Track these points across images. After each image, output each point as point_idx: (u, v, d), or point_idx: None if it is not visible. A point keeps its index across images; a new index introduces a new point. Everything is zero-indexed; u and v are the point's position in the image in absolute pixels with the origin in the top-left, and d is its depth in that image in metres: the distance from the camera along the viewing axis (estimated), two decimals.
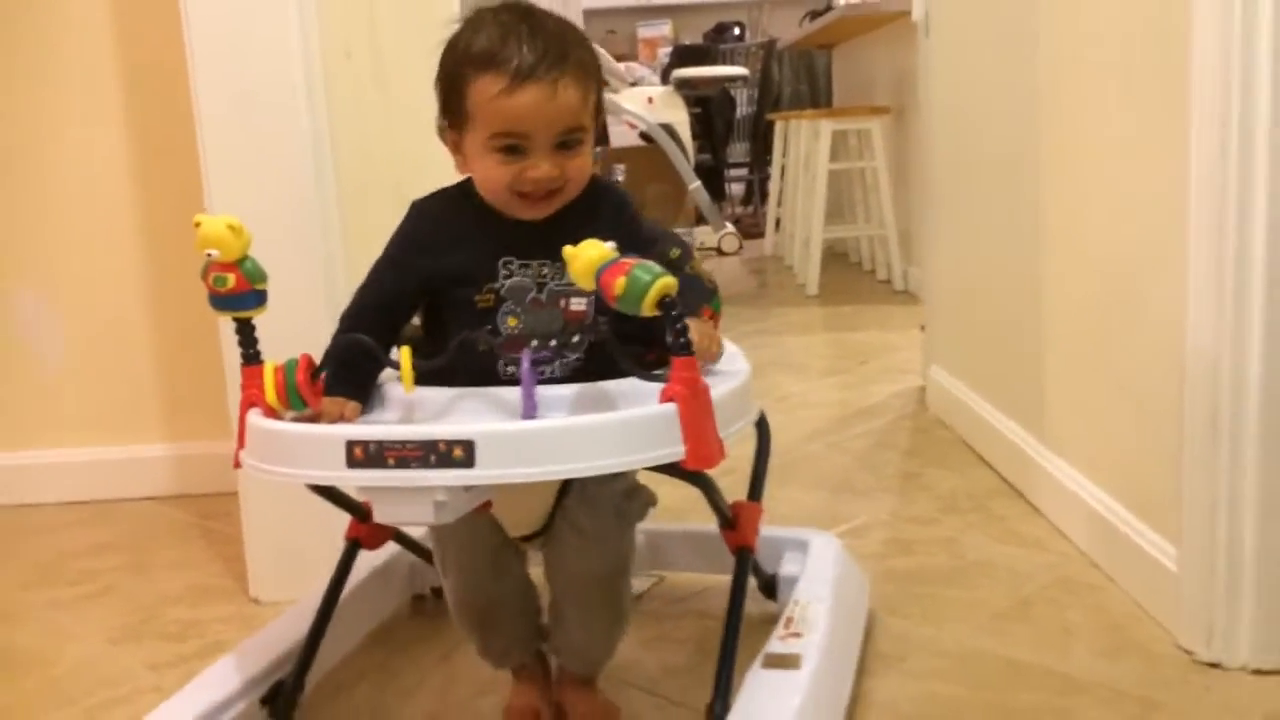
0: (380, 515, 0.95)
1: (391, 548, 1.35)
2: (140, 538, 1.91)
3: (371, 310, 1.08)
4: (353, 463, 0.90)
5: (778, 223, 5.25)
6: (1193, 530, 1.28)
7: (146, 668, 1.41)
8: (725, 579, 1.45)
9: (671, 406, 0.91)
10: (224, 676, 1.18)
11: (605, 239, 0.91)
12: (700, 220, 5.35)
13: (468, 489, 0.93)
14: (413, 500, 0.90)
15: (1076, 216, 1.63)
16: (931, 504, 1.85)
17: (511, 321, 1.05)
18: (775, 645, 1.15)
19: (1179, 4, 1.24)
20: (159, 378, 2.13)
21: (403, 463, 0.89)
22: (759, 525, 1.19)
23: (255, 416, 0.99)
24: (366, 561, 1.31)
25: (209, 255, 1.00)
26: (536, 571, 1.20)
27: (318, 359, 1.04)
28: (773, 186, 5.33)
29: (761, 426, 1.33)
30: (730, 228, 5.45)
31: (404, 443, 0.89)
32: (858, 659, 1.30)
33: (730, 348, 1.17)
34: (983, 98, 2.09)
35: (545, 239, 1.03)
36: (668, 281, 0.87)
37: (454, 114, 1.04)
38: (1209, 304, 1.23)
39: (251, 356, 1.03)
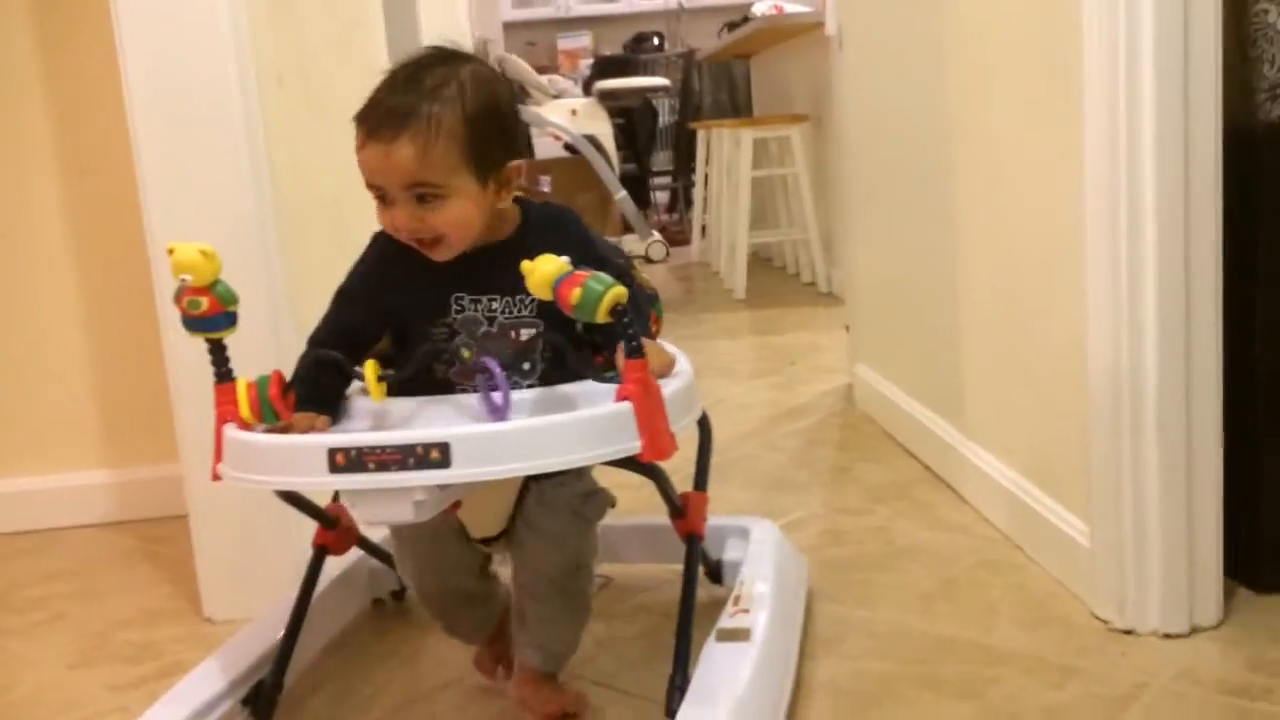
0: (361, 516, 1.03)
1: (350, 554, 1.40)
2: (87, 565, 1.91)
3: (335, 337, 1.15)
4: (335, 469, 0.97)
5: (703, 229, 5.34)
6: (1102, 509, 1.37)
7: (107, 690, 1.43)
8: (669, 574, 1.54)
9: (627, 405, 1.00)
10: (203, 681, 1.23)
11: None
12: (627, 229, 5.42)
13: (443, 488, 1.01)
14: (393, 501, 0.99)
15: (987, 220, 1.73)
16: (862, 495, 1.94)
17: (466, 353, 1.13)
18: (726, 621, 1.24)
19: (1071, 24, 1.34)
20: (96, 404, 2.13)
21: (383, 466, 0.96)
22: (706, 513, 1.30)
23: (234, 430, 1.05)
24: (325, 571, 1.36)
25: (183, 280, 1.05)
26: (504, 571, 1.27)
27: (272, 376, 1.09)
28: (697, 194, 5.42)
29: (704, 424, 1.42)
30: (657, 236, 5.53)
31: (383, 448, 0.96)
32: (801, 631, 1.38)
33: (675, 350, 1.25)
34: (897, 107, 2.18)
35: (493, 275, 1.11)
36: (619, 291, 0.96)
37: None
38: (1106, 298, 1.32)
39: (224, 375, 1.09)
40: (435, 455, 0.95)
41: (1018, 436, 1.66)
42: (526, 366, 1.13)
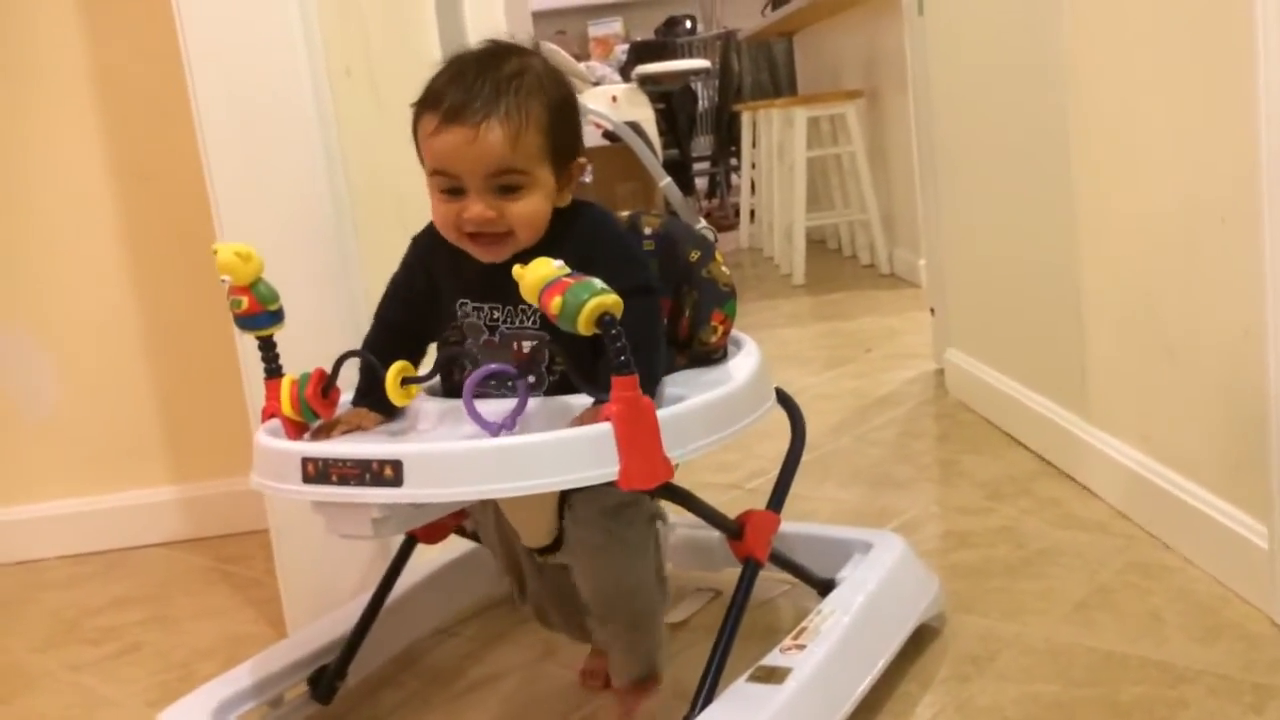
0: (329, 528, 0.99)
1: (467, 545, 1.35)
2: (158, 588, 1.81)
3: (385, 333, 1.13)
4: (306, 478, 0.94)
5: (752, 214, 5.20)
6: None
7: None
8: (785, 586, 1.39)
9: (606, 426, 0.90)
10: (271, 659, 1.24)
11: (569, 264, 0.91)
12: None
13: (416, 506, 0.97)
14: (354, 515, 0.95)
15: (1117, 182, 1.59)
16: (976, 491, 1.80)
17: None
18: (772, 657, 1.11)
19: None
20: (160, 419, 2.03)
21: (344, 480, 0.92)
22: (771, 536, 1.16)
23: (260, 432, 1.04)
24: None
25: (223, 281, 1.06)
26: None
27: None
28: (744, 177, 5.28)
29: (796, 429, 1.30)
30: (704, 223, 5.37)
31: (345, 461, 0.93)
32: (879, 670, 1.19)
33: (751, 347, 1.20)
34: (990, 71, 2.04)
35: (500, 282, 1.02)
36: (605, 300, 0.87)
37: (417, 150, 1.07)
38: None
39: (272, 371, 1.08)
40: (389, 473, 0.90)
41: (1162, 424, 1.52)
42: (532, 379, 1.02)
